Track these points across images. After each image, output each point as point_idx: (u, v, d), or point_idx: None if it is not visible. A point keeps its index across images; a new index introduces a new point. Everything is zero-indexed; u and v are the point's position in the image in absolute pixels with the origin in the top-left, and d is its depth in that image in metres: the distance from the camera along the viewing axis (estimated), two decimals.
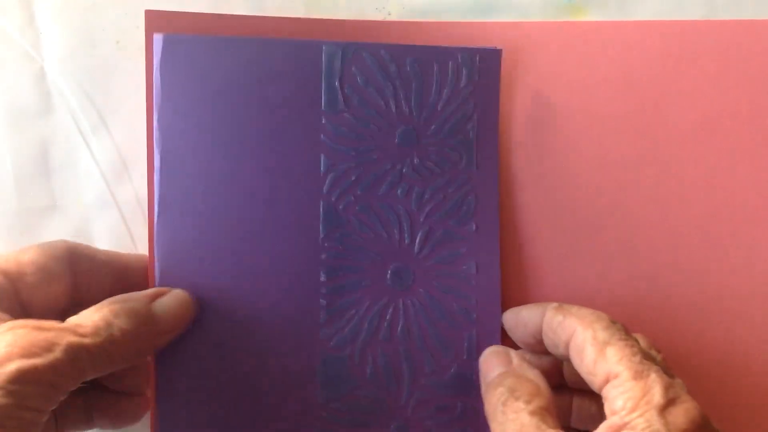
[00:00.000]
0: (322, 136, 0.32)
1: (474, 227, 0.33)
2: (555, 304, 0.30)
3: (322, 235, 0.32)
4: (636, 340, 0.27)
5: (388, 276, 0.33)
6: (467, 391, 0.33)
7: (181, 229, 0.31)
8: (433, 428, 0.33)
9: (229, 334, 0.32)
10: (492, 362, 0.31)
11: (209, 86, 0.31)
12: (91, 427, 0.32)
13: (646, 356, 0.26)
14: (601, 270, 0.34)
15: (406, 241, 0.33)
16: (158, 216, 0.31)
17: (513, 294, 0.34)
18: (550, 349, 0.30)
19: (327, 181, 0.32)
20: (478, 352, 0.32)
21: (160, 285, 0.31)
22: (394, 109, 0.32)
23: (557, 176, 0.34)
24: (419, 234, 0.33)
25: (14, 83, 0.33)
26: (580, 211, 0.34)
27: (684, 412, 0.25)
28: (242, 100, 0.31)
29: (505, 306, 0.33)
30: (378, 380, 0.33)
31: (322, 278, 0.32)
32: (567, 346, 0.28)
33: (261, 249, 0.32)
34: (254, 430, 0.32)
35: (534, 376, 0.29)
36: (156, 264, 0.31)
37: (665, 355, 0.29)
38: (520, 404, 0.27)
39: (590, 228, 0.34)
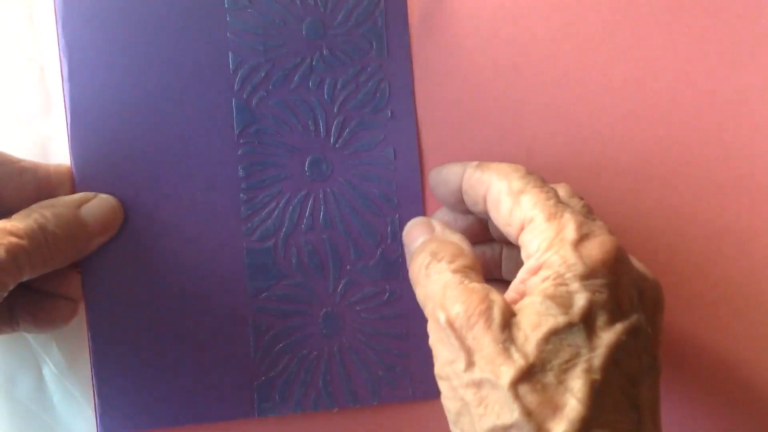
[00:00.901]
0: (228, 33, 0.32)
1: (389, 113, 0.33)
2: (475, 162, 0.29)
3: (237, 132, 0.32)
4: (553, 188, 0.27)
5: (306, 167, 0.33)
6: (394, 275, 0.34)
7: (96, 137, 0.32)
8: (362, 313, 0.34)
9: (151, 236, 0.33)
10: (414, 232, 0.31)
11: None
12: (15, 330, 0.31)
13: (563, 201, 0.27)
14: (524, 138, 0.34)
15: (322, 133, 0.33)
16: (71, 125, 0.32)
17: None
18: (470, 206, 0.30)
19: (237, 78, 0.32)
20: (402, 235, 0.33)
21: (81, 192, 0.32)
22: (299, 1, 0.32)
23: (472, 55, 0.33)
24: (334, 124, 0.33)
25: (14, 83, 0.33)
26: (500, 86, 0.34)
27: (599, 244, 0.25)
28: (145, 2, 0.32)
29: (426, 188, 0.34)
30: (304, 270, 0.34)
31: (241, 174, 0.32)
32: (485, 200, 0.28)
33: (177, 151, 0.32)
34: (185, 328, 0.33)
35: (457, 239, 0.29)
36: (74, 172, 0.32)
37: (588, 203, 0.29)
38: (443, 265, 0.27)
39: (511, 99, 0.34)
